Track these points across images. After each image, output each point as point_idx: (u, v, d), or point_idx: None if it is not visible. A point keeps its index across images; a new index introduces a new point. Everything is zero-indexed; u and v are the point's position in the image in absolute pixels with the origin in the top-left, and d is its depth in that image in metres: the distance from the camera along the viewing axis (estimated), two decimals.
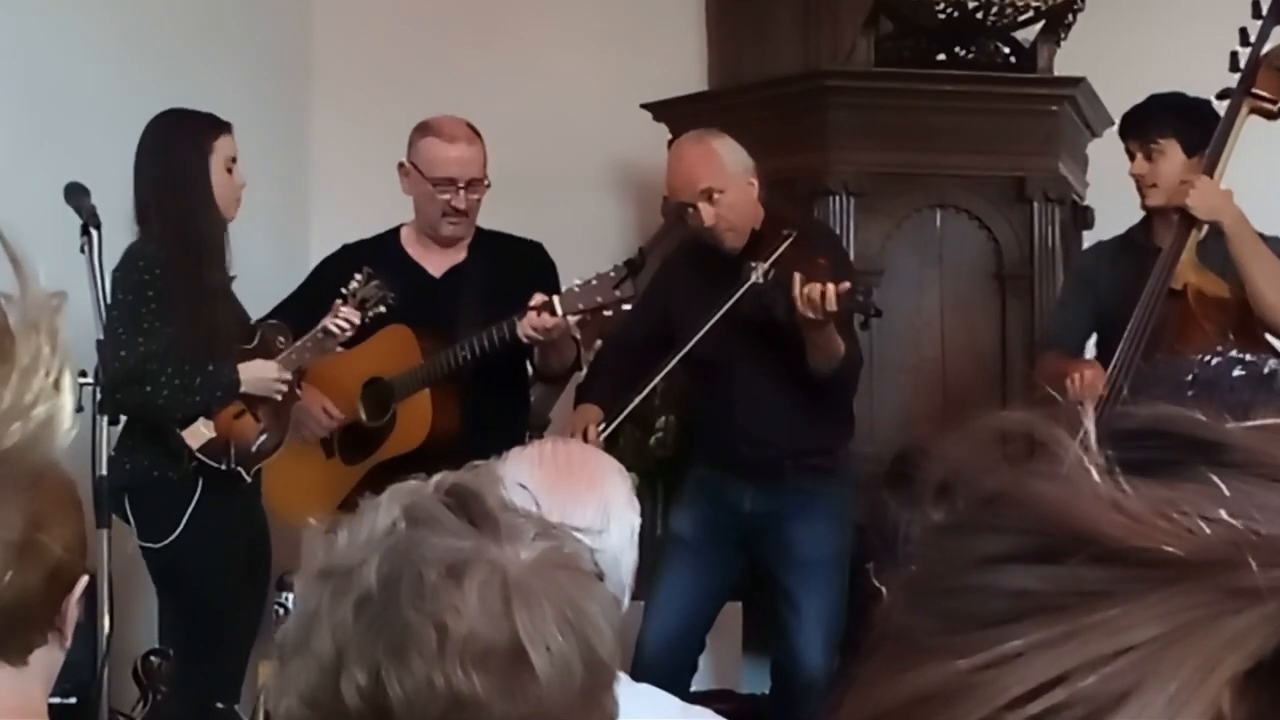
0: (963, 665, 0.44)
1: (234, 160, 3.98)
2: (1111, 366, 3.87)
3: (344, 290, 4.05)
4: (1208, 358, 1.46)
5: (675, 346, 4.15)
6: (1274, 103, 3.94)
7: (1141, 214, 4.30)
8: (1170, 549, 0.43)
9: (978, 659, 0.43)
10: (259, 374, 4.00)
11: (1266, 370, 1.46)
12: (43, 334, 1.13)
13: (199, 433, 3.91)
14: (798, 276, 3.81)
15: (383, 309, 4.05)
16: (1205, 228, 3.94)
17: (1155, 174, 4.09)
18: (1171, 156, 4.07)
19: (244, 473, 3.99)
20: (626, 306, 3.97)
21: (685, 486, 4.43)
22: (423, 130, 4.36)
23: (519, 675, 1.16)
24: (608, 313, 4.02)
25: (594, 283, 3.97)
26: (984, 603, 0.45)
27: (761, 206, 4.20)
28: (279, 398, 4.05)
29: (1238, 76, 4.00)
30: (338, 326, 4.00)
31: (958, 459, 0.50)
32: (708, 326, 4.03)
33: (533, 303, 3.99)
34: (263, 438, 4.04)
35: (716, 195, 4.12)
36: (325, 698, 1.18)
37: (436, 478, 1.26)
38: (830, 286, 3.76)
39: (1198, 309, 3.89)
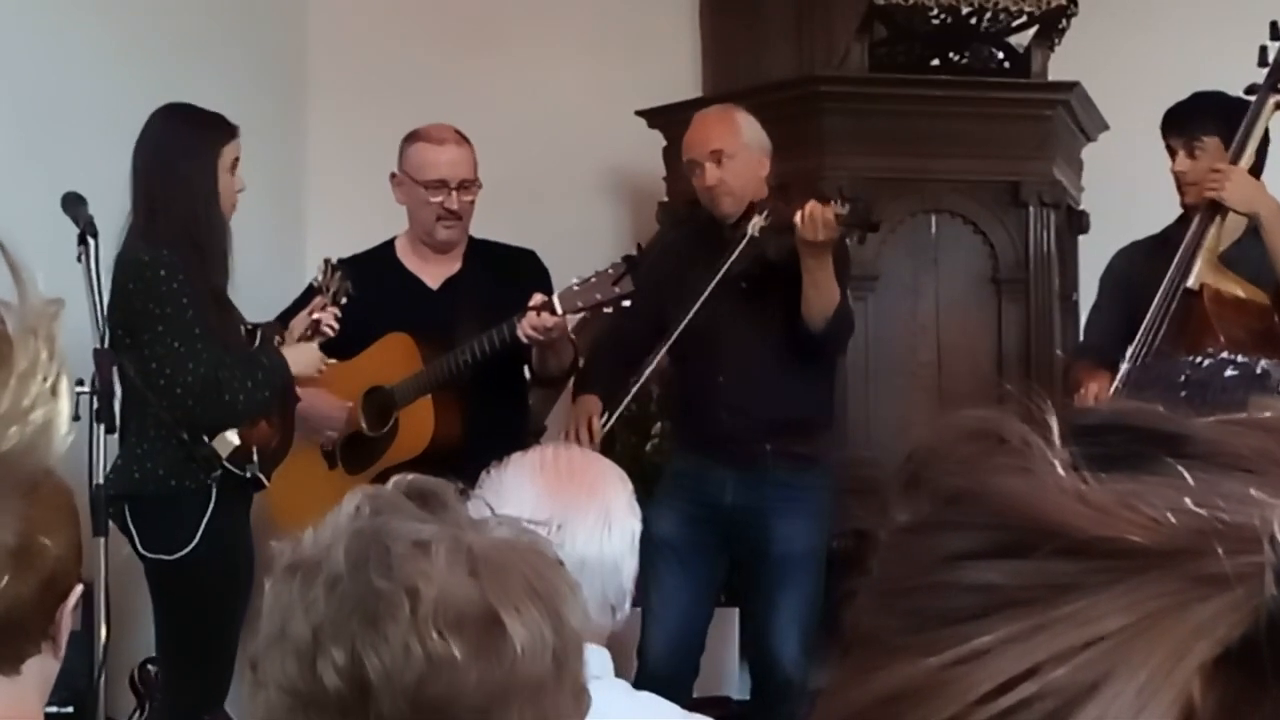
0: (932, 663, 0.44)
1: (238, 163, 3.96)
2: (1124, 366, 3.85)
3: (314, 284, 4.10)
4: (1200, 359, 1.47)
5: (668, 329, 4.18)
6: None
7: (1135, 221, 4.30)
8: (1136, 539, 0.43)
9: (947, 656, 0.43)
10: (301, 354, 3.98)
11: (1259, 370, 1.46)
12: (40, 339, 1.13)
13: (228, 440, 3.89)
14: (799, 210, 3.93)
15: (344, 299, 4.06)
16: (1226, 219, 3.91)
17: (1197, 172, 4.04)
18: (1214, 155, 4.03)
19: (264, 479, 3.98)
20: (626, 303, 3.98)
21: (663, 483, 4.36)
22: (411, 138, 4.38)
23: (493, 639, 1.18)
24: (607, 310, 4.04)
25: (593, 280, 3.97)
26: (951, 600, 0.45)
27: (767, 189, 4.24)
28: (319, 374, 4.05)
29: (1265, 71, 3.98)
30: (329, 326, 4.01)
31: (922, 458, 0.50)
32: (710, 288, 4.08)
33: (532, 302, 4.00)
34: (275, 440, 4.03)
35: (725, 159, 4.21)
36: (304, 683, 1.19)
37: (395, 478, 1.30)
38: (830, 204, 3.90)
39: (1212, 310, 3.86)
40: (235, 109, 5.12)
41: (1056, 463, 0.47)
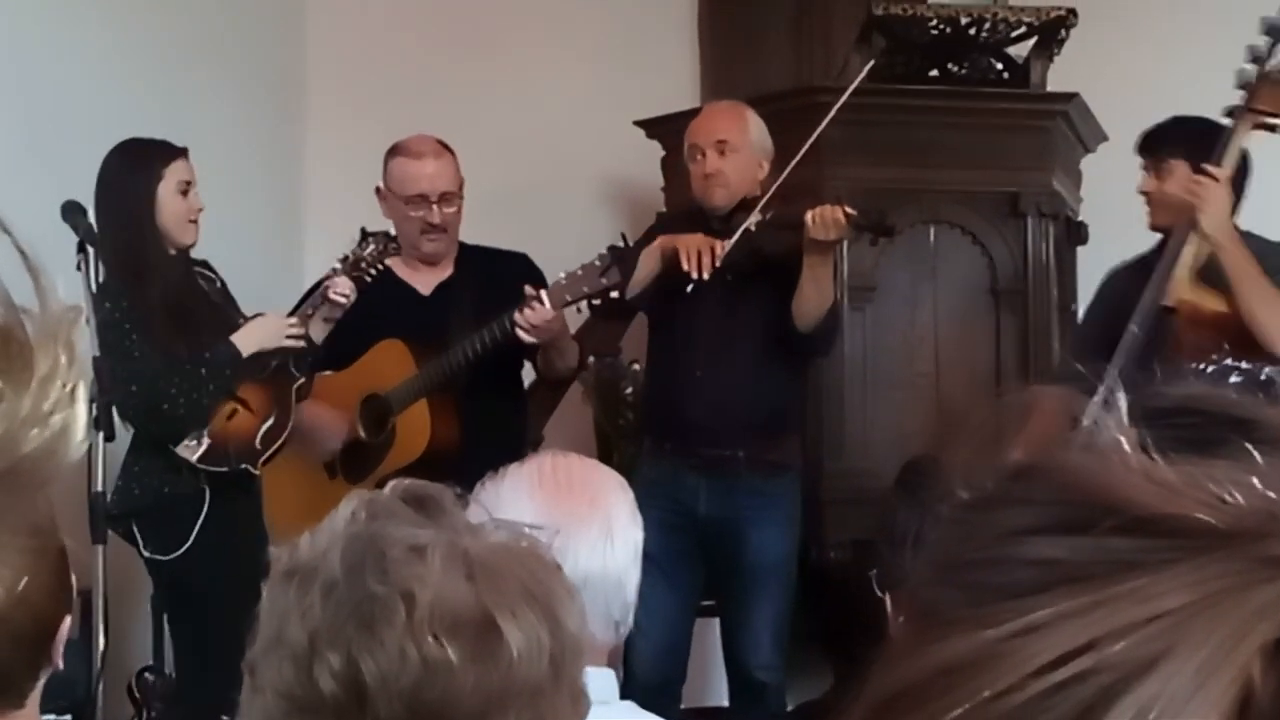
0: (990, 635, 0.44)
1: (189, 184, 3.99)
2: (1103, 385, 3.83)
3: (344, 257, 4.10)
4: (1204, 366, 1.48)
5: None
6: (1277, 117, 3.95)
7: (1133, 233, 4.29)
8: (1201, 517, 0.43)
9: (1005, 628, 0.44)
10: (260, 330, 4.03)
11: (1263, 378, 1.47)
12: (60, 345, 1.14)
13: (191, 446, 3.93)
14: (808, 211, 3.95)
15: (380, 266, 4.09)
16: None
17: (1162, 193, 4.08)
18: (1180, 179, 4.07)
19: (251, 468, 4.01)
20: (614, 294, 3.99)
21: (636, 492, 4.32)
22: (392, 152, 4.39)
23: (488, 643, 1.18)
24: (596, 302, 4.04)
25: (579, 273, 3.98)
26: (1011, 574, 0.45)
27: (760, 191, 4.26)
28: (300, 343, 4.06)
29: (1241, 94, 4.00)
30: (341, 295, 4.02)
31: (986, 435, 0.50)
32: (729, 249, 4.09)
33: (528, 293, 4.00)
34: (268, 423, 4.04)
35: (728, 150, 4.27)
36: (301, 689, 1.19)
37: (391, 483, 1.31)
38: (842, 205, 3.92)
39: (1188, 327, 3.87)
40: (234, 117, 5.14)
41: (1123, 440, 0.47)
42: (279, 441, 4.07)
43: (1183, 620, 0.42)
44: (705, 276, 4.05)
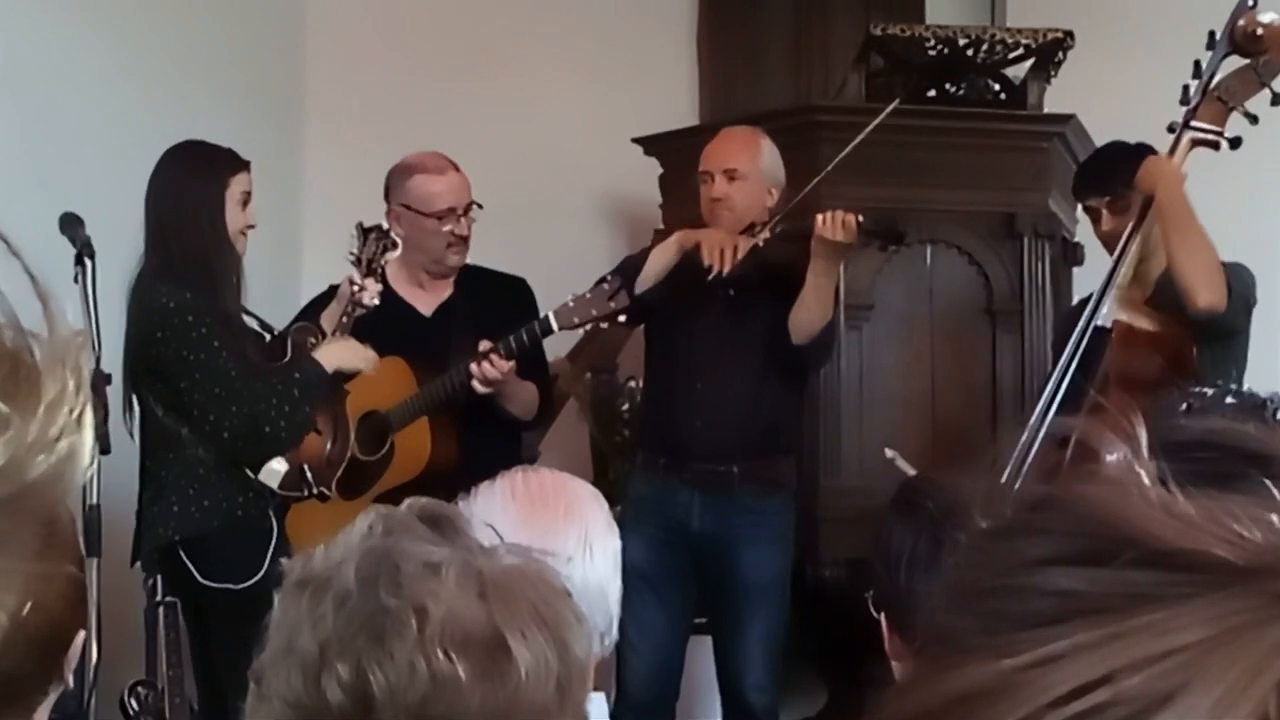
0: (1007, 665, 0.44)
1: (249, 196, 3.97)
2: (1039, 407, 3.77)
3: (355, 259, 4.04)
4: (1202, 389, 1.50)
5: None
6: (1217, 134, 3.86)
7: None
8: (1220, 553, 0.44)
9: (1022, 659, 0.44)
10: (341, 351, 3.97)
11: (1259, 401, 1.49)
12: (68, 370, 1.14)
13: (274, 470, 3.87)
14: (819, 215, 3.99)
15: (388, 259, 4.04)
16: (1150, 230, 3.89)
17: (1127, 226, 4.04)
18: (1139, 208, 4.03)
19: (326, 490, 3.97)
20: (622, 318, 3.99)
21: (627, 509, 4.24)
22: (406, 171, 4.36)
23: (497, 662, 1.18)
24: (604, 325, 4.03)
25: (588, 296, 3.97)
26: (1030, 604, 0.45)
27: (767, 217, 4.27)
28: (373, 367, 4.02)
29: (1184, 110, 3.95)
30: (370, 299, 3.99)
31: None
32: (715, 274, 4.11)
33: (482, 347, 4.02)
34: (329, 446, 4.01)
35: (737, 178, 4.29)
36: (308, 698, 1.19)
37: (408, 501, 1.31)
38: (854, 213, 3.95)
39: (1123, 346, 3.83)
40: (232, 132, 5.12)
41: (1143, 474, 0.47)
42: (344, 462, 4.04)
43: (1200, 655, 0.42)
44: (727, 270, 4.07)
